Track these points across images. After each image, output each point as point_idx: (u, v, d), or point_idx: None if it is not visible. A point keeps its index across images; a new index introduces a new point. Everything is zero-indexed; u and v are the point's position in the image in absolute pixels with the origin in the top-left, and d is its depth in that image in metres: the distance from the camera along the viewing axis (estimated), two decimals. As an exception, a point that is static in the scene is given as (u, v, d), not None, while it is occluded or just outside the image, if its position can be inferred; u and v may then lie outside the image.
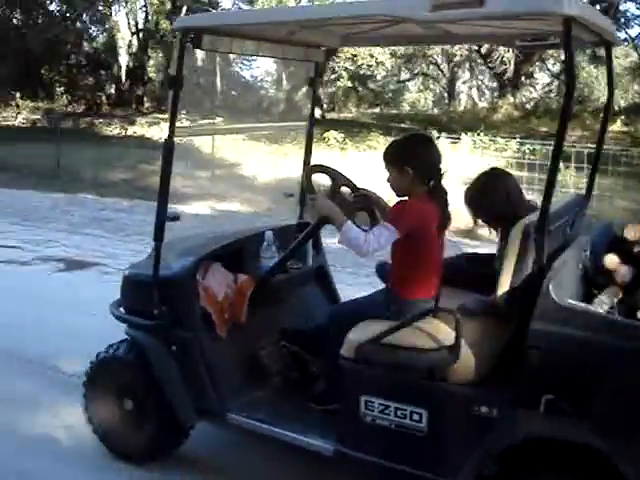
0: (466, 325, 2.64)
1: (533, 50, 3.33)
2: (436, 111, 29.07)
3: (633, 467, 2.31)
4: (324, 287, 3.91)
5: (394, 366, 2.71)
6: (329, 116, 24.21)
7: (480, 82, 30.03)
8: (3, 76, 21.76)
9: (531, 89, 29.54)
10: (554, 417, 2.38)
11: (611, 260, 2.76)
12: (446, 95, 30.22)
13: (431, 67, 27.88)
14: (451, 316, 2.58)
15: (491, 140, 12.80)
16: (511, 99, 24.02)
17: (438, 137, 11.32)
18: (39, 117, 23.11)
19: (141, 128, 21.30)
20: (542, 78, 30.24)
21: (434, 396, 2.65)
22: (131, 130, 21.15)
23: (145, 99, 26.50)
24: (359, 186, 3.25)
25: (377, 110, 28.83)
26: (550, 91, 29.11)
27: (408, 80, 30.82)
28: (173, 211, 3.20)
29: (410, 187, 2.89)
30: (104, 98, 26.97)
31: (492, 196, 3.07)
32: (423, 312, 2.71)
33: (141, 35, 25.86)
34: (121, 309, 3.46)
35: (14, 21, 23.81)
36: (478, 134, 13.20)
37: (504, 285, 2.53)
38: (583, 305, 2.37)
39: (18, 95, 23.65)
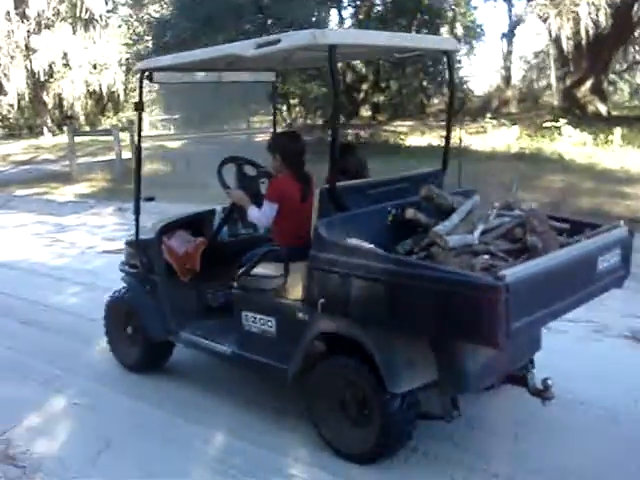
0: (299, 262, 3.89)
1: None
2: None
3: (380, 353, 3.44)
4: None
5: (256, 289, 4.01)
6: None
7: None
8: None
9: None
10: (330, 316, 3.57)
11: (409, 212, 3.85)
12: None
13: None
14: None
15: None
16: None
17: None
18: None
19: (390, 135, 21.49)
20: None
21: (277, 308, 3.94)
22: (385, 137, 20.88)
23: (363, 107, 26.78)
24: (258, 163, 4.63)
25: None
26: None
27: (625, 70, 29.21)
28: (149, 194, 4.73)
29: (279, 169, 4.18)
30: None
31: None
32: (264, 252, 3.99)
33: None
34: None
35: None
36: None
37: (312, 230, 3.73)
38: (344, 239, 3.52)
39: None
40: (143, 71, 4.50)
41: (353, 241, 3.57)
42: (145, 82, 4.54)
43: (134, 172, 4.68)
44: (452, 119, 4.44)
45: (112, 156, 18.21)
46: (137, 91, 4.58)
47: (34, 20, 30.53)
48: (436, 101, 28.35)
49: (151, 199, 4.79)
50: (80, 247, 9.74)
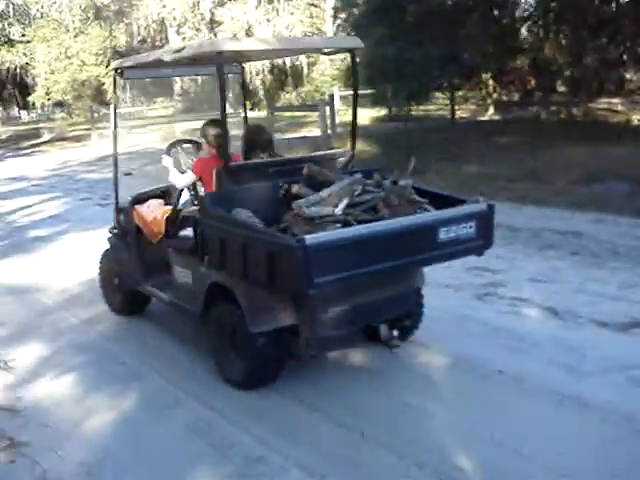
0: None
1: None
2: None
3: (245, 299, 4.40)
4: None
5: (180, 248, 5.04)
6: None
7: None
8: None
9: None
10: (216, 270, 4.53)
11: (295, 187, 4.70)
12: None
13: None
14: None
15: None
16: None
17: None
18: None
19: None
20: None
21: (190, 264, 4.94)
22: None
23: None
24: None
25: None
26: None
27: None
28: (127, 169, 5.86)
29: (206, 149, 5.16)
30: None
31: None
32: (182, 218, 5.00)
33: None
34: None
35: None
36: None
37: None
38: (223, 210, 4.44)
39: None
40: (116, 69, 5.59)
41: (237, 210, 4.50)
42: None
43: (113, 152, 5.81)
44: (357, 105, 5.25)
45: (303, 132, 18.92)
46: (112, 87, 5.69)
47: (218, -8, 31.66)
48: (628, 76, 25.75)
49: (129, 174, 5.91)
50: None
